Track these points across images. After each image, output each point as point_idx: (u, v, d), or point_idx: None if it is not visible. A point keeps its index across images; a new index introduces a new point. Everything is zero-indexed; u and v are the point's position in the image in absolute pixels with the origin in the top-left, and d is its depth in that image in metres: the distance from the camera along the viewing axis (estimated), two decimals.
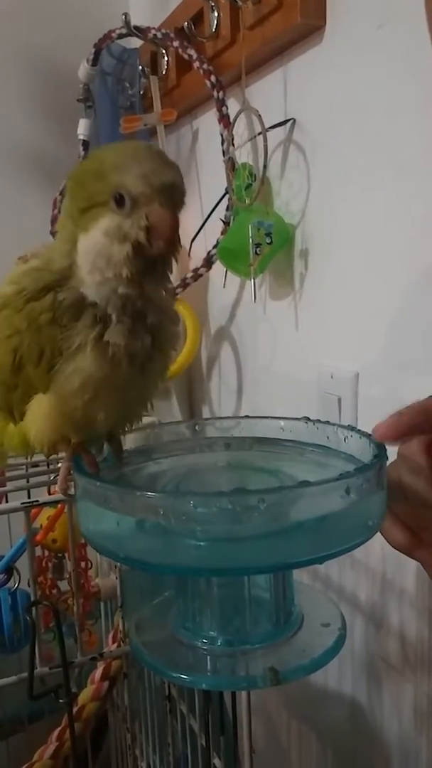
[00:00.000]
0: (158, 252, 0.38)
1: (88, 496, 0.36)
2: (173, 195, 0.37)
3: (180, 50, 0.87)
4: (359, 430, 0.42)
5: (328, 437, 0.44)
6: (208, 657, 0.38)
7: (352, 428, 0.42)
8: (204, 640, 0.39)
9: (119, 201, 0.36)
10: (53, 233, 1.07)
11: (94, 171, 0.37)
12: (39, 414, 0.40)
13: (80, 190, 0.39)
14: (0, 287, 0.42)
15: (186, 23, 0.87)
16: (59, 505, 0.67)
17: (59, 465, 0.61)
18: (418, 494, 0.39)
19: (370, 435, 0.40)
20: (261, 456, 0.45)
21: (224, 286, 0.88)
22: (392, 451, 0.40)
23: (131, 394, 0.41)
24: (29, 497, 0.57)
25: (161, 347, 0.42)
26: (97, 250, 0.38)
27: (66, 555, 0.73)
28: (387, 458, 0.38)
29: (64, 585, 0.75)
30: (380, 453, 0.37)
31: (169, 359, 0.43)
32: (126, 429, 0.45)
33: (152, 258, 0.38)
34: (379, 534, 0.38)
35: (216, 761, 0.57)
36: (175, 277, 0.97)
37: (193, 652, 0.39)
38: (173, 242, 0.38)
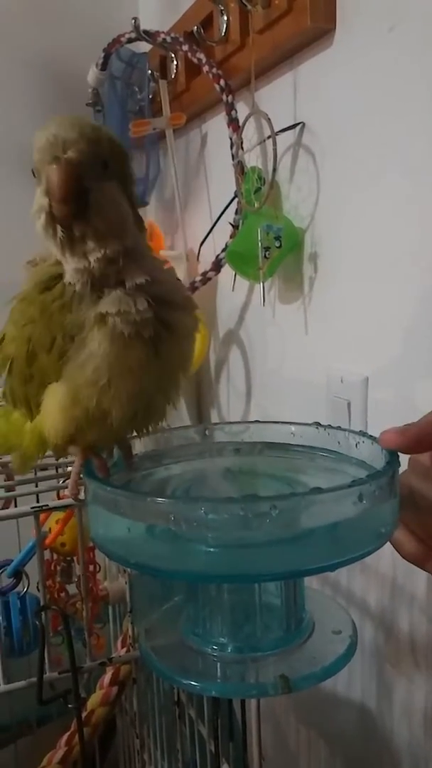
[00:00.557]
0: (57, 213, 0.38)
1: (98, 501, 0.36)
2: (62, 151, 0.37)
3: (189, 54, 0.87)
4: (371, 435, 0.41)
5: (339, 442, 0.43)
6: (218, 663, 0.38)
7: (363, 434, 0.42)
8: (214, 647, 0.39)
9: (34, 176, 0.39)
10: None
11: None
12: (53, 404, 0.40)
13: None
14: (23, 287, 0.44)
15: (195, 27, 0.88)
16: (68, 509, 0.67)
17: (69, 469, 0.61)
18: (429, 503, 0.38)
19: (378, 439, 0.39)
20: (271, 461, 0.45)
21: (233, 290, 0.88)
22: (404, 459, 0.40)
23: (147, 381, 0.40)
24: (38, 501, 0.57)
25: (170, 327, 0.41)
26: (39, 231, 0.39)
27: (74, 559, 0.73)
28: (399, 465, 0.37)
29: (72, 589, 0.75)
30: (393, 460, 0.37)
31: (186, 343, 0.43)
32: (146, 430, 0.44)
33: (64, 224, 0.38)
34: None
35: (225, 767, 0.57)
36: (184, 281, 0.97)
37: (203, 659, 0.38)
38: (64, 199, 0.37)
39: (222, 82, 0.83)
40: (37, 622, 0.50)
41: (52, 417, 0.40)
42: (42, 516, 0.64)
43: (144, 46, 1.01)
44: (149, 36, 0.92)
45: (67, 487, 0.56)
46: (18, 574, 0.64)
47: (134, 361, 0.39)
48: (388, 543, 0.38)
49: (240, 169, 0.82)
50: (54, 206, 0.37)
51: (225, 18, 0.82)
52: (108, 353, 0.38)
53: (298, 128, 0.76)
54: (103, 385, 0.38)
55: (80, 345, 0.39)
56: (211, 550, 0.33)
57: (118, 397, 0.39)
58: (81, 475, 0.41)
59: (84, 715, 0.55)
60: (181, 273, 0.99)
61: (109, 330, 0.38)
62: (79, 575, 0.69)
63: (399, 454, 0.38)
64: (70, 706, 0.46)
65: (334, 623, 0.41)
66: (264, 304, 0.79)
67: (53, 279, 0.41)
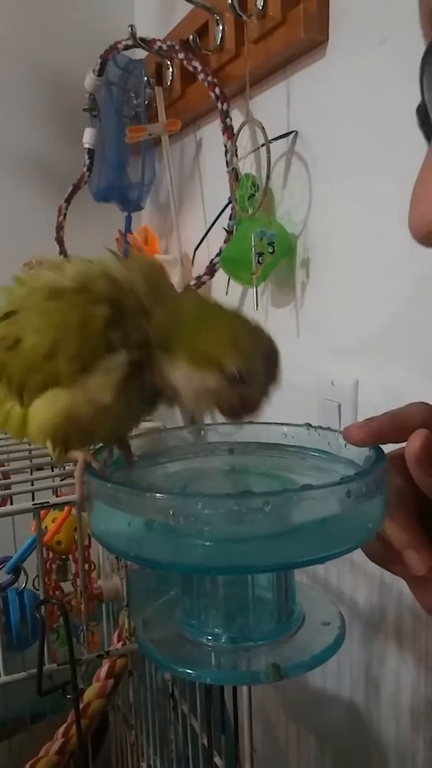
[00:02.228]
0: (242, 417, 0.42)
1: (99, 496, 0.37)
2: (274, 383, 0.41)
3: (185, 62, 0.89)
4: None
5: (329, 443, 0.45)
6: (213, 653, 0.40)
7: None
8: (209, 637, 0.40)
9: (232, 376, 0.39)
10: (59, 239, 1.08)
11: (220, 335, 0.40)
12: (50, 407, 0.41)
13: (201, 332, 0.40)
14: (53, 277, 0.43)
15: (191, 36, 0.89)
16: (66, 508, 0.69)
17: (66, 468, 0.62)
18: (391, 508, 0.39)
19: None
20: (264, 461, 0.46)
21: (227, 294, 0.89)
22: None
23: (136, 417, 0.44)
24: (33, 500, 0.58)
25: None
26: (194, 387, 0.40)
27: (70, 557, 0.74)
28: (385, 464, 0.39)
29: (67, 587, 0.76)
30: (379, 458, 0.38)
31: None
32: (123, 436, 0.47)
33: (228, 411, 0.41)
34: None
35: (217, 760, 0.59)
36: (178, 285, 0.99)
37: (198, 649, 0.40)
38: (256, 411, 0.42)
39: (217, 90, 0.85)
40: (38, 615, 0.51)
41: (44, 416, 0.41)
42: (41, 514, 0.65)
43: (140, 53, 1.03)
44: (145, 43, 0.94)
45: (64, 486, 0.57)
46: (16, 570, 0.65)
47: (139, 397, 0.42)
48: None
49: (234, 175, 0.84)
50: (244, 412, 0.42)
51: (220, 27, 0.84)
52: (123, 387, 0.40)
53: (291, 136, 0.77)
54: (105, 408, 0.40)
55: (102, 366, 0.40)
56: (207, 543, 0.34)
57: (111, 421, 0.42)
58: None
59: (81, 706, 0.56)
60: (175, 277, 1.01)
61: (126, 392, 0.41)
62: (75, 571, 0.71)
63: (386, 453, 0.39)
64: (68, 696, 0.47)
65: (323, 615, 0.43)
66: (257, 308, 0.80)
67: (107, 301, 0.40)
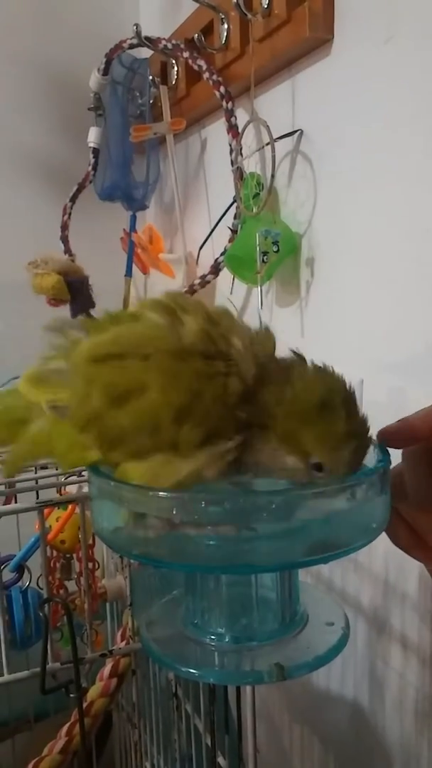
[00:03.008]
0: None
1: (102, 494, 0.37)
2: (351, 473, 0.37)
3: (190, 61, 0.89)
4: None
5: None
6: (216, 653, 0.39)
7: None
8: (212, 637, 0.40)
9: (314, 467, 0.36)
10: (63, 238, 1.09)
11: (315, 424, 0.36)
12: (167, 474, 0.36)
13: (298, 414, 0.36)
14: (167, 329, 0.38)
15: (196, 35, 0.89)
16: (69, 506, 0.69)
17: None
18: (417, 493, 0.40)
19: (373, 440, 0.41)
20: None
21: (231, 293, 0.89)
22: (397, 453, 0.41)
23: None
24: (37, 498, 0.58)
25: None
26: (276, 466, 0.37)
27: (74, 556, 0.74)
28: (390, 464, 0.39)
29: (71, 586, 0.76)
30: (384, 458, 0.38)
31: None
32: None
33: None
34: (381, 538, 0.40)
35: (220, 760, 0.58)
36: (182, 284, 0.98)
37: (201, 648, 0.40)
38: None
39: (222, 88, 0.85)
40: (41, 614, 0.51)
41: (157, 483, 0.36)
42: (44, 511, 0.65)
43: (145, 52, 1.03)
44: (150, 42, 0.94)
45: (68, 484, 0.57)
46: (20, 569, 0.65)
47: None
48: (380, 541, 0.39)
49: (239, 174, 0.83)
50: None
51: (225, 26, 0.84)
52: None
53: (296, 135, 0.77)
54: (206, 481, 0.37)
55: (219, 442, 0.36)
56: (211, 542, 0.34)
57: None
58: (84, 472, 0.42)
59: (84, 705, 0.56)
60: (180, 276, 1.01)
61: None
62: (79, 570, 0.71)
63: (390, 452, 0.39)
64: (71, 695, 0.47)
65: (327, 616, 0.42)
66: (262, 308, 0.80)
67: (235, 365, 0.36)
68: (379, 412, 0.40)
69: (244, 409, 0.36)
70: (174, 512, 0.34)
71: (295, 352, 0.39)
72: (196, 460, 0.35)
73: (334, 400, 0.36)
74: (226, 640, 0.40)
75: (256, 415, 0.36)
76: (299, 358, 0.39)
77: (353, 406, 0.37)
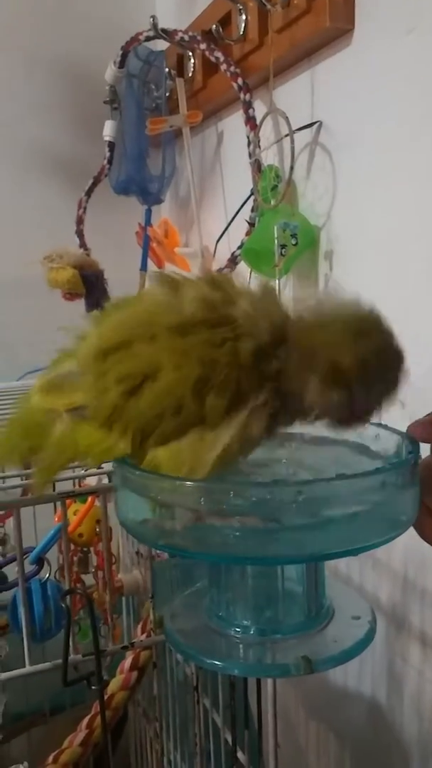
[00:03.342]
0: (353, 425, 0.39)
1: (127, 484, 0.37)
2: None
3: (207, 53, 0.88)
4: (390, 427, 0.42)
5: (359, 434, 0.44)
6: (241, 645, 0.39)
7: (382, 425, 0.43)
8: (237, 629, 0.40)
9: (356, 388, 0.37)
10: (79, 232, 1.08)
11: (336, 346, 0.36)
12: (204, 449, 0.35)
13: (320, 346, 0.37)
14: (168, 302, 0.38)
15: (214, 26, 0.89)
16: (89, 500, 0.68)
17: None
18: None
19: (401, 432, 0.40)
20: (293, 451, 0.46)
21: (249, 283, 0.89)
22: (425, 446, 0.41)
23: None
24: (54, 490, 0.58)
25: None
26: (312, 407, 0.37)
27: (91, 549, 0.74)
28: (420, 455, 0.38)
29: (88, 579, 0.76)
30: (414, 450, 0.38)
31: None
32: None
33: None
34: (403, 535, 0.39)
35: (240, 755, 0.58)
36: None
37: (226, 640, 0.39)
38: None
39: (240, 80, 0.84)
40: (63, 605, 0.50)
41: (198, 462, 0.35)
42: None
43: (161, 44, 1.02)
44: (167, 34, 0.93)
45: (87, 476, 0.57)
46: (40, 561, 0.65)
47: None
48: (399, 538, 0.39)
49: (257, 166, 0.83)
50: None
51: (243, 17, 0.83)
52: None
53: (315, 126, 0.76)
54: (256, 442, 0.37)
55: (251, 400, 0.36)
56: (237, 533, 0.33)
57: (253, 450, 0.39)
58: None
59: (105, 698, 0.56)
60: (195, 270, 1.00)
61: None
62: (96, 564, 0.70)
63: (420, 444, 0.39)
64: (93, 687, 0.47)
65: (353, 609, 0.42)
66: None
67: (243, 326, 0.36)
68: (399, 407, 0.39)
69: (270, 363, 0.36)
70: (201, 502, 0.33)
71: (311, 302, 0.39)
72: (231, 428, 0.35)
73: (370, 329, 0.38)
74: (251, 632, 0.39)
75: (288, 365, 0.36)
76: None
77: (388, 334, 0.39)
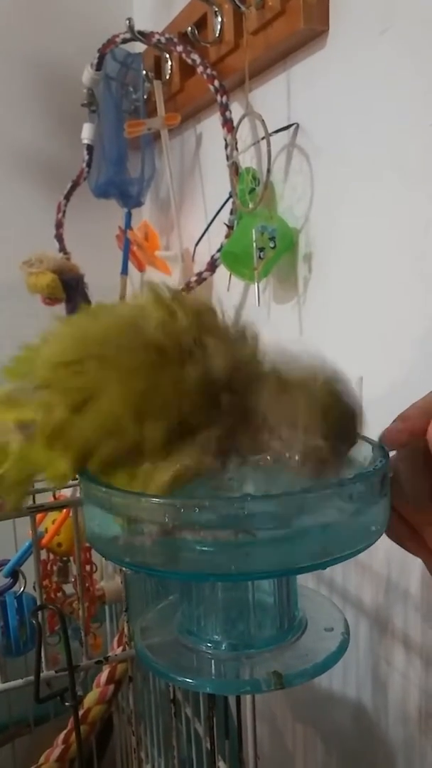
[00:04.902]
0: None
1: (93, 500, 0.36)
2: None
3: (184, 55, 0.88)
4: (362, 435, 0.42)
5: None
6: (213, 661, 0.38)
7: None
8: (208, 644, 0.39)
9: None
10: (58, 236, 1.07)
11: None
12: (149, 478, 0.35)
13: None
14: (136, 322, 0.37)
15: (189, 28, 0.88)
16: (64, 510, 0.68)
17: None
18: (410, 486, 0.39)
19: (372, 440, 0.40)
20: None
21: (228, 290, 0.88)
22: None
23: None
24: (34, 502, 0.57)
25: None
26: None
27: (71, 558, 0.73)
28: (389, 465, 0.38)
29: (68, 588, 0.75)
30: (383, 459, 0.37)
31: None
32: None
33: None
34: (383, 537, 0.39)
35: (221, 764, 0.58)
36: (179, 281, 0.97)
37: (197, 656, 0.39)
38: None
39: (216, 82, 0.84)
40: (34, 622, 0.50)
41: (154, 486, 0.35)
42: (39, 516, 0.64)
43: (139, 47, 1.01)
44: (144, 36, 0.93)
45: (63, 488, 0.56)
46: (15, 574, 0.64)
47: None
48: (382, 540, 0.38)
49: (235, 169, 0.82)
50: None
51: (219, 19, 0.83)
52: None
53: (292, 129, 0.76)
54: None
55: (198, 436, 0.35)
56: (205, 549, 0.33)
57: None
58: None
59: (81, 713, 0.55)
60: (176, 273, 1.00)
61: None
62: (76, 575, 0.70)
63: (389, 452, 0.39)
64: (67, 704, 0.46)
65: (326, 621, 0.41)
66: (259, 304, 0.79)
67: (171, 359, 0.35)
68: (379, 409, 0.39)
69: (221, 401, 0.35)
70: (167, 518, 0.33)
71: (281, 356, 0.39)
72: (174, 462, 0.34)
73: (330, 401, 0.37)
74: (223, 647, 0.39)
75: (241, 410, 0.36)
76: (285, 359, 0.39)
77: (349, 406, 0.38)
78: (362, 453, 0.40)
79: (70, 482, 0.56)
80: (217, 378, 0.35)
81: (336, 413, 0.37)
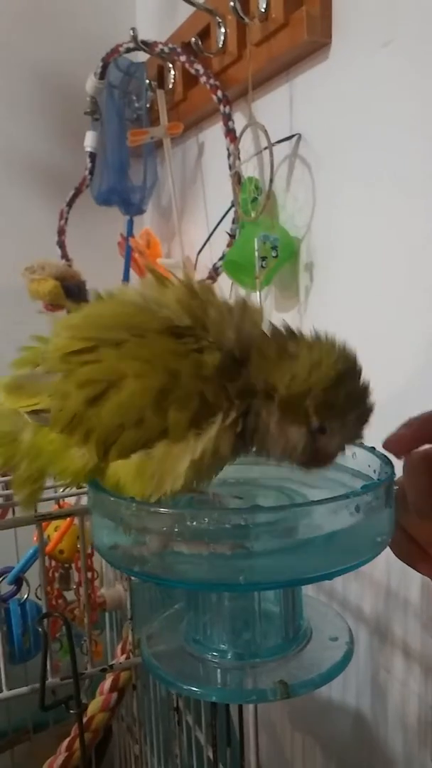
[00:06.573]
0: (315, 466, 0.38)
1: (101, 510, 0.36)
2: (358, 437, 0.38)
3: (187, 65, 0.88)
4: (366, 446, 0.42)
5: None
6: (219, 670, 0.39)
7: (359, 444, 0.43)
8: (214, 653, 0.39)
9: (319, 428, 0.36)
10: (60, 243, 1.08)
11: (313, 382, 0.36)
12: (172, 464, 0.35)
13: (294, 377, 0.36)
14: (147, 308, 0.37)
15: (193, 38, 0.89)
16: (68, 518, 0.68)
17: None
18: (415, 504, 0.39)
19: (377, 450, 0.40)
20: (267, 470, 0.45)
21: (230, 298, 0.88)
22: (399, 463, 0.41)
23: None
24: (35, 511, 0.57)
25: None
26: (277, 442, 0.37)
27: (72, 565, 0.73)
28: (395, 475, 0.38)
29: (70, 595, 0.75)
30: (388, 470, 0.37)
31: None
32: None
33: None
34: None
35: None
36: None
37: (203, 665, 0.39)
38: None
39: (219, 92, 0.84)
40: (39, 629, 0.50)
41: (169, 475, 0.35)
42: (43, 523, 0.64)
43: (142, 56, 1.02)
44: (147, 46, 0.93)
45: (67, 496, 0.56)
46: (18, 581, 0.64)
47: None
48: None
49: (237, 179, 0.83)
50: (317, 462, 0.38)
51: (222, 30, 0.83)
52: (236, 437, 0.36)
53: (294, 139, 0.77)
54: (223, 459, 0.36)
55: (218, 417, 0.35)
56: (211, 559, 0.33)
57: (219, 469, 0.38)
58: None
59: (84, 720, 0.55)
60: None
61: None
62: (78, 580, 0.70)
63: (394, 464, 0.39)
64: (71, 711, 0.47)
65: (331, 630, 0.42)
66: None
67: (209, 349, 0.35)
68: (379, 417, 0.39)
69: (237, 379, 0.36)
70: (174, 528, 0.33)
71: (286, 327, 0.39)
72: (199, 443, 0.34)
73: (338, 367, 0.37)
74: (229, 656, 0.39)
75: (253, 385, 0.36)
76: (290, 331, 0.39)
77: (357, 373, 0.39)
78: (368, 463, 0.41)
79: (75, 490, 0.57)
80: (230, 357, 0.36)
81: (348, 382, 0.37)
